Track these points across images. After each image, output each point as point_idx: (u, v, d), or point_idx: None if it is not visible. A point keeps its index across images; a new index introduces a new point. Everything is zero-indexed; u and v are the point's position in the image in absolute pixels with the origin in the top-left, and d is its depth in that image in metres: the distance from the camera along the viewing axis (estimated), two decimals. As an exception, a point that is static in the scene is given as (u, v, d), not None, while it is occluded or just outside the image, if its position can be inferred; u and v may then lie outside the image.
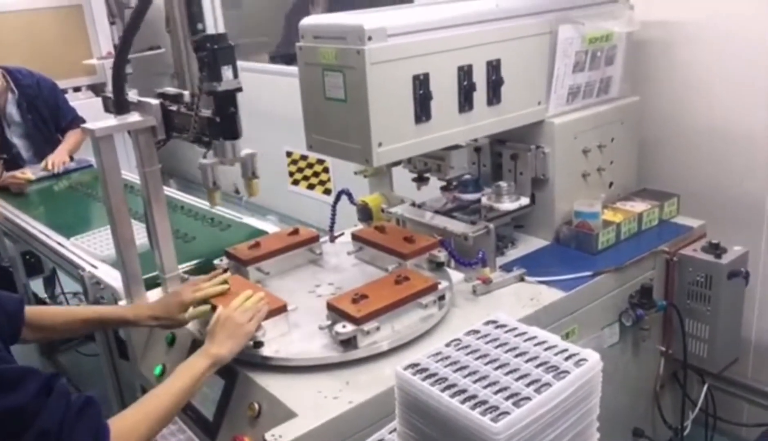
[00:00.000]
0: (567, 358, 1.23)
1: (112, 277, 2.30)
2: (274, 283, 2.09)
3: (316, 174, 4.68)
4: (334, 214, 2.43)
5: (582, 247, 2.29)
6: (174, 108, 1.98)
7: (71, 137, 3.92)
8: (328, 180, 4.57)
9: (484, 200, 2.31)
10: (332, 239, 2.42)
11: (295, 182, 4.85)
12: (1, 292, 1.68)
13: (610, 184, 2.50)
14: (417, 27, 1.90)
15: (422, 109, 1.94)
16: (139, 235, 2.17)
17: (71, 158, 3.85)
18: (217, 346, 1.60)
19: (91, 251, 2.61)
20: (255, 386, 1.68)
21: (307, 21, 1.99)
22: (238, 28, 5.28)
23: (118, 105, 2.00)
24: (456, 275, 2.10)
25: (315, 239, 2.25)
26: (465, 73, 2.01)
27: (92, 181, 3.55)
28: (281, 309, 1.81)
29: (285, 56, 4.69)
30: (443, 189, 2.38)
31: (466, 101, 2.04)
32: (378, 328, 1.74)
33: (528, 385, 1.17)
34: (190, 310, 1.84)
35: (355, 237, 2.26)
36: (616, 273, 2.18)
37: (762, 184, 2.46)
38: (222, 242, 2.38)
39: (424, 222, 2.28)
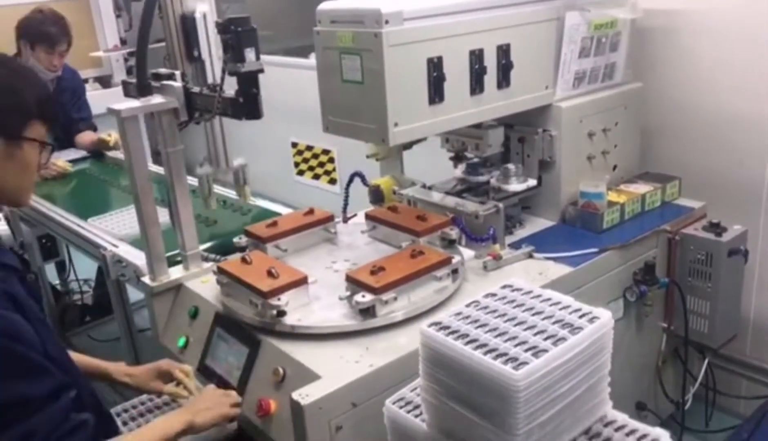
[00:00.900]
0: (581, 316, 1.31)
1: (134, 256, 2.36)
2: (292, 260, 2.16)
3: (321, 164, 4.73)
4: (347, 196, 2.50)
5: (587, 226, 2.36)
6: (196, 90, 2.06)
7: (86, 136, 3.94)
8: (334, 170, 4.62)
9: (493, 182, 2.38)
10: (345, 220, 2.49)
11: (301, 172, 4.92)
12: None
13: (614, 167, 2.57)
14: (431, 11, 1.97)
15: (436, 91, 2.01)
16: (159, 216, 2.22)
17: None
18: (194, 414, 1.65)
19: (110, 231, 2.67)
20: (279, 353, 1.76)
21: (323, 6, 2.05)
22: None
23: (141, 88, 2.07)
24: (467, 253, 2.16)
25: (330, 219, 2.32)
26: (476, 57, 2.08)
27: (105, 169, 3.61)
28: (302, 281, 1.88)
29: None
30: (453, 159, 2.50)
31: (477, 84, 2.11)
32: (395, 299, 1.82)
33: (545, 339, 1.25)
34: (170, 386, 1.88)
35: (369, 216, 2.33)
36: (620, 250, 2.26)
37: (760, 166, 2.54)
38: (242, 225, 2.42)
39: (435, 202, 2.36)
